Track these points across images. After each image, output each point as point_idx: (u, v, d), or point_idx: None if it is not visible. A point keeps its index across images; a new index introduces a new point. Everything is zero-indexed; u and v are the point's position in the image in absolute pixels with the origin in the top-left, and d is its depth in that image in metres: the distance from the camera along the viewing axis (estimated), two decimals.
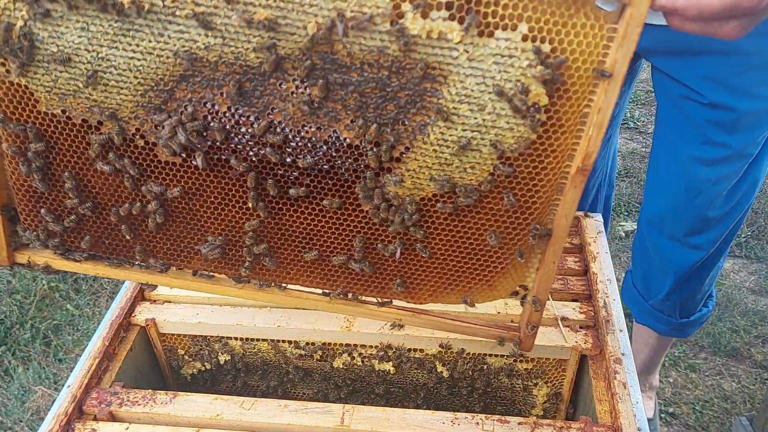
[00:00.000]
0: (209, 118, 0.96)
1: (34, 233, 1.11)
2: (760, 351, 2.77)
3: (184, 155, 1.00)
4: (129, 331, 1.40)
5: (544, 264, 1.05)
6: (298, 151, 0.98)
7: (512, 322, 1.28)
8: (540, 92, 0.88)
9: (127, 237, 1.10)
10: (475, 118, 0.92)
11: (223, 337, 1.42)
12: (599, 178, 2.13)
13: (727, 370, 2.72)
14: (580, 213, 1.63)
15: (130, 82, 0.94)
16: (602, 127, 0.90)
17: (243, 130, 0.97)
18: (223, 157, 1.00)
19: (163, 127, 0.97)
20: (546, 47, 0.85)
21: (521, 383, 1.40)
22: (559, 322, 1.36)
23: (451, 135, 0.94)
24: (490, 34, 0.85)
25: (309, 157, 0.98)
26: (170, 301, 1.45)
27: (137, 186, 1.04)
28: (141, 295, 1.46)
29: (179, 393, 1.23)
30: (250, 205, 1.05)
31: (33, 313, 2.87)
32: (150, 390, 1.24)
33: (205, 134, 0.98)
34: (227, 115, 0.96)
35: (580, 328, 1.35)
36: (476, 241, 1.05)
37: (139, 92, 0.95)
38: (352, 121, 0.94)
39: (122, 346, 1.36)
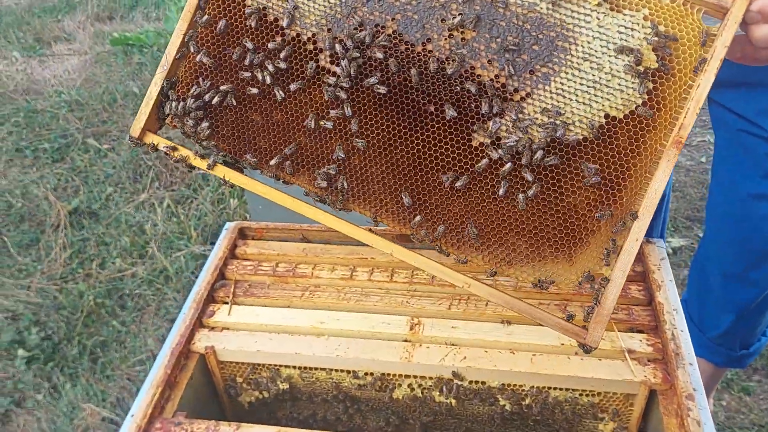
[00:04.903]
0: (375, 37, 1.14)
1: (181, 103, 1.23)
2: None
3: (337, 66, 1.16)
4: (189, 359, 1.40)
5: (627, 240, 1.06)
6: (435, 79, 1.13)
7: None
8: (652, 58, 1.06)
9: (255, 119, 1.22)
10: (593, 75, 1.08)
11: (281, 366, 1.41)
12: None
13: None
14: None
15: None
16: (699, 101, 1.04)
17: (400, 50, 1.14)
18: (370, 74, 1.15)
19: (335, 36, 1.15)
20: (662, 28, 1.06)
21: (587, 418, 1.36)
22: (626, 354, 1.32)
23: (569, 86, 1.09)
24: (619, 11, 1.07)
25: (441, 85, 1.13)
26: (228, 329, 1.45)
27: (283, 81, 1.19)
28: (199, 323, 1.46)
29: (242, 424, 1.23)
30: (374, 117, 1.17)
31: (80, 329, 2.91)
32: (213, 420, 1.23)
33: (364, 50, 1.14)
34: (390, 37, 1.14)
35: (648, 361, 1.31)
36: (565, 203, 1.12)
37: (330, 4, 1.15)
38: (489, 62, 1.10)
39: (183, 374, 1.36)
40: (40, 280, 3.18)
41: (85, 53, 5.36)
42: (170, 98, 1.24)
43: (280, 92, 1.16)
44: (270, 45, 1.16)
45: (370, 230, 1.19)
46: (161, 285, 3.05)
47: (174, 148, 1.24)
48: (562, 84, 1.09)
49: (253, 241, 1.68)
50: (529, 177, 1.10)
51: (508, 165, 1.10)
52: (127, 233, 3.35)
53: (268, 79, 1.16)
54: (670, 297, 1.44)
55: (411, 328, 1.40)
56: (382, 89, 1.12)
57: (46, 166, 3.96)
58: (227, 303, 1.50)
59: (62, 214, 3.52)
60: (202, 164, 1.22)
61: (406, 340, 1.39)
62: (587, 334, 1.09)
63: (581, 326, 1.10)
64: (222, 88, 1.19)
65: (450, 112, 1.10)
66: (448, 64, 1.10)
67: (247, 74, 1.18)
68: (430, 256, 1.17)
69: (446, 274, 1.14)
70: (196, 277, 3.09)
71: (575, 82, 1.09)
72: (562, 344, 1.34)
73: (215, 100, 1.20)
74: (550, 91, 1.09)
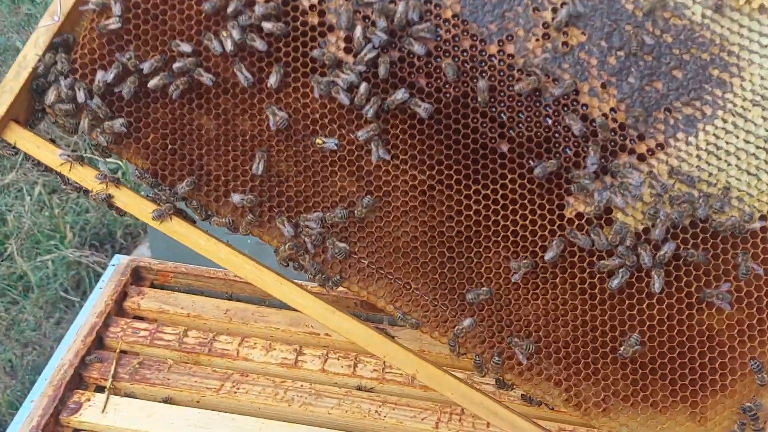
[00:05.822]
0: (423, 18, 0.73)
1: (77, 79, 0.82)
2: None
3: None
4: None
5: None
6: (514, 103, 0.73)
7: None
8: None
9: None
10: (767, 131, 0.73)
11: None
12: None
13: None
14: None
15: None
16: None
17: (462, 47, 0.73)
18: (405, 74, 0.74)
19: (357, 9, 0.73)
20: None
21: None
22: None
23: (726, 142, 0.73)
24: None
25: (524, 113, 0.74)
26: None
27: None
28: (54, 421, 0.95)
29: None
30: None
31: None
32: None
33: (402, 38, 0.72)
34: (449, 25, 0.73)
35: None
36: (702, 326, 0.76)
37: None
38: (602, 86, 0.71)
39: None
40: None
41: None
42: (60, 71, 0.79)
43: (246, 74, 0.72)
44: (257, 9, 0.72)
45: (380, 329, 0.79)
46: (17, 296, 2.46)
47: (80, 158, 0.83)
48: (715, 136, 0.73)
49: (153, 290, 1.18)
50: (647, 260, 0.75)
51: (617, 260, 0.71)
52: None
53: (229, 45, 0.74)
54: None
55: None
56: (422, 109, 0.69)
57: None
58: (103, 390, 1.01)
59: None
60: (99, 188, 0.84)
61: None
62: None
63: None
64: (177, 65, 0.76)
65: (542, 169, 0.69)
66: (552, 83, 0.70)
67: (208, 43, 0.78)
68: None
69: (511, 423, 0.76)
70: (66, 291, 2.52)
71: (737, 136, 0.73)
72: None
73: (156, 82, 0.75)
74: (696, 146, 0.73)
